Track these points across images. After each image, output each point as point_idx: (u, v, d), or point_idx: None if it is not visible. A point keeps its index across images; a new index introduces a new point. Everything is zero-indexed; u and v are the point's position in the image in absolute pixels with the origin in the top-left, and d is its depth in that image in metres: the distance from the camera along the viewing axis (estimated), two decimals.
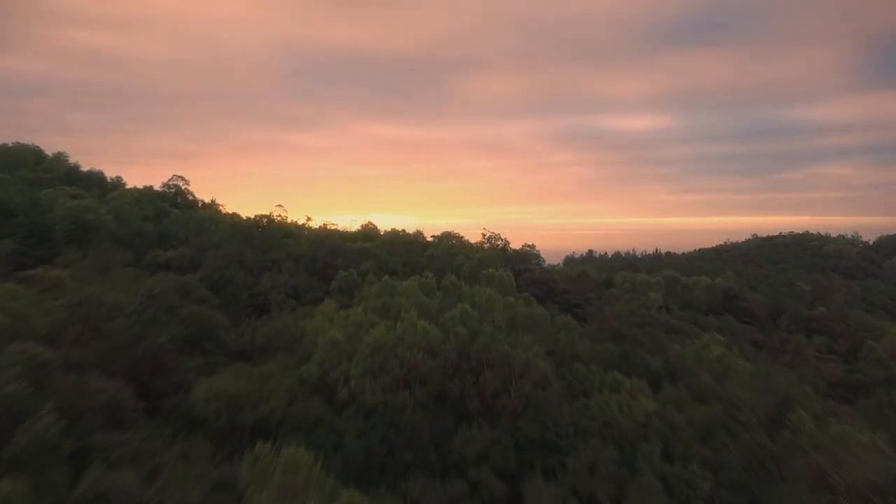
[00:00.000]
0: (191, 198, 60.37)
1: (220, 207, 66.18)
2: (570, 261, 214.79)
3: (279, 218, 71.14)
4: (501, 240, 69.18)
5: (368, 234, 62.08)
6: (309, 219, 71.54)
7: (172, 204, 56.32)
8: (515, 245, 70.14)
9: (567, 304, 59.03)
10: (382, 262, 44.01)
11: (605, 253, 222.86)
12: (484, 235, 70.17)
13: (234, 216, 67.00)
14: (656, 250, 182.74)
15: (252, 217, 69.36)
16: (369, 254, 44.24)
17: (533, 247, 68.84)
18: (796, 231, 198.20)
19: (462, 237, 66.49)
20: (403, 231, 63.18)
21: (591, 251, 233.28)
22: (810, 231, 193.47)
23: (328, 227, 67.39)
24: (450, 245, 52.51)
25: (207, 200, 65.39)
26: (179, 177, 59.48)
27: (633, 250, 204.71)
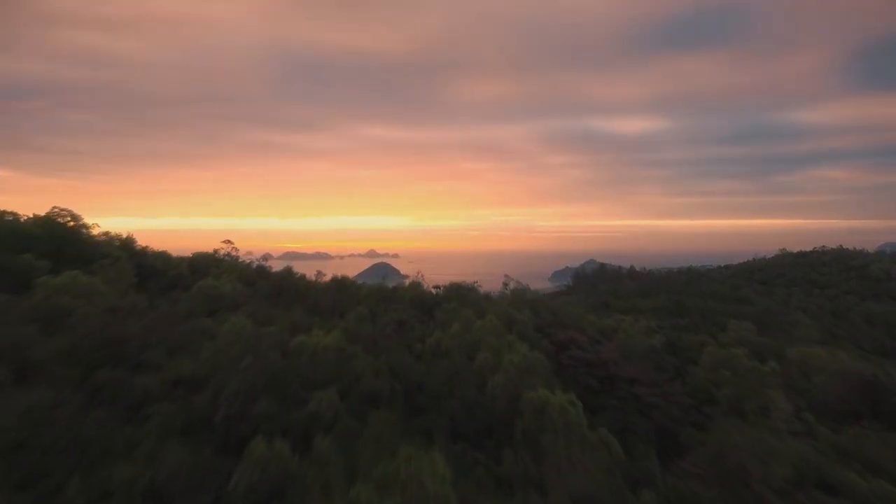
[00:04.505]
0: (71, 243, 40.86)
1: (138, 249, 47.02)
2: (582, 280, 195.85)
3: (227, 255, 52.42)
4: (529, 292, 50.53)
5: (343, 289, 43.09)
6: (266, 261, 52.84)
7: (47, 253, 37.22)
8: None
9: (638, 402, 40.17)
10: (352, 380, 25.19)
11: (620, 267, 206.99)
12: (506, 285, 51.52)
13: (163, 257, 48.03)
14: (684, 268, 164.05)
15: (193, 254, 50.70)
16: (332, 364, 25.36)
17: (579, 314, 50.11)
18: (829, 245, 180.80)
19: (478, 289, 47.64)
20: (395, 287, 44.32)
21: (602, 265, 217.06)
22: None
23: (292, 275, 48.43)
24: (465, 321, 33.73)
25: (119, 240, 46.25)
26: (64, 210, 40.32)
27: (658, 267, 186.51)
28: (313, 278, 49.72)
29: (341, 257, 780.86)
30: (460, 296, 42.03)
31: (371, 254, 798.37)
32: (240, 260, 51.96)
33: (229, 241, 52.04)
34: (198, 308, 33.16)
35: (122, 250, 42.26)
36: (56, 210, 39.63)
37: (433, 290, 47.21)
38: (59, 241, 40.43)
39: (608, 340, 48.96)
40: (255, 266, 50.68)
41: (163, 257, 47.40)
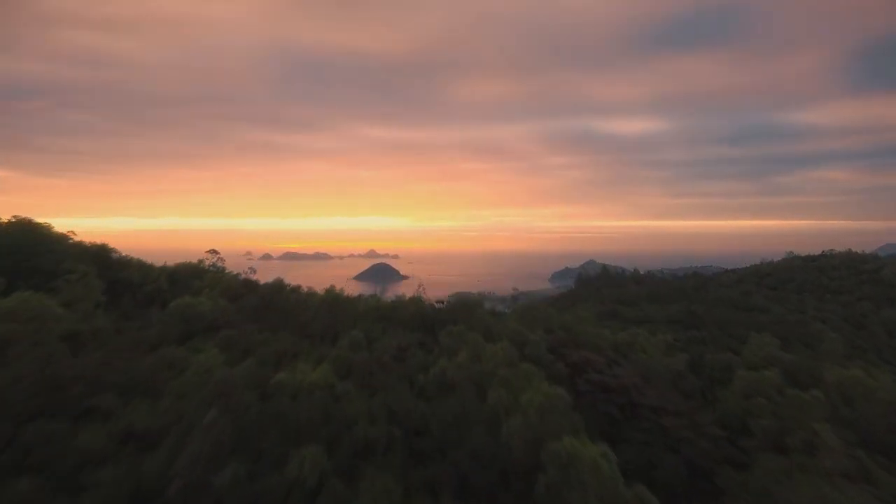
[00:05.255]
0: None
1: (114, 259, 43.03)
2: (585, 283, 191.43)
3: (213, 266, 48.46)
4: (538, 302, 46.48)
5: (337, 306, 39.10)
6: (255, 271, 48.91)
7: (3, 268, 33.21)
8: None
9: (664, 434, 36.23)
10: (342, 427, 21.22)
11: (622, 269, 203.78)
12: (514, 298, 47.38)
13: (142, 268, 44.02)
14: (690, 270, 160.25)
15: (160, 266, 46.87)
16: (319, 407, 21.49)
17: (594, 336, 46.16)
18: (838, 249, 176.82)
19: (484, 304, 43.61)
20: (394, 303, 40.25)
21: (605, 267, 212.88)
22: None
23: (282, 288, 44.32)
24: (473, 347, 29.82)
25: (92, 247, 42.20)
26: (26, 219, 36.31)
27: (659, 268, 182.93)
28: (305, 289, 45.78)
29: (341, 258, 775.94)
30: (466, 311, 38.03)
31: (371, 254, 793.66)
32: (226, 271, 48.01)
33: (215, 251, 48.10)
34: (170, 332, 29.19)
35: (93, 262, 38.20)
36: (17, 219, 35.61)
37: (436, 304, 43.25)
38: (19, 254, 36.46)
39: (625, 358, 44.98)
40: (241, 278, 46.70)
41: (141, 268, 43.41)
